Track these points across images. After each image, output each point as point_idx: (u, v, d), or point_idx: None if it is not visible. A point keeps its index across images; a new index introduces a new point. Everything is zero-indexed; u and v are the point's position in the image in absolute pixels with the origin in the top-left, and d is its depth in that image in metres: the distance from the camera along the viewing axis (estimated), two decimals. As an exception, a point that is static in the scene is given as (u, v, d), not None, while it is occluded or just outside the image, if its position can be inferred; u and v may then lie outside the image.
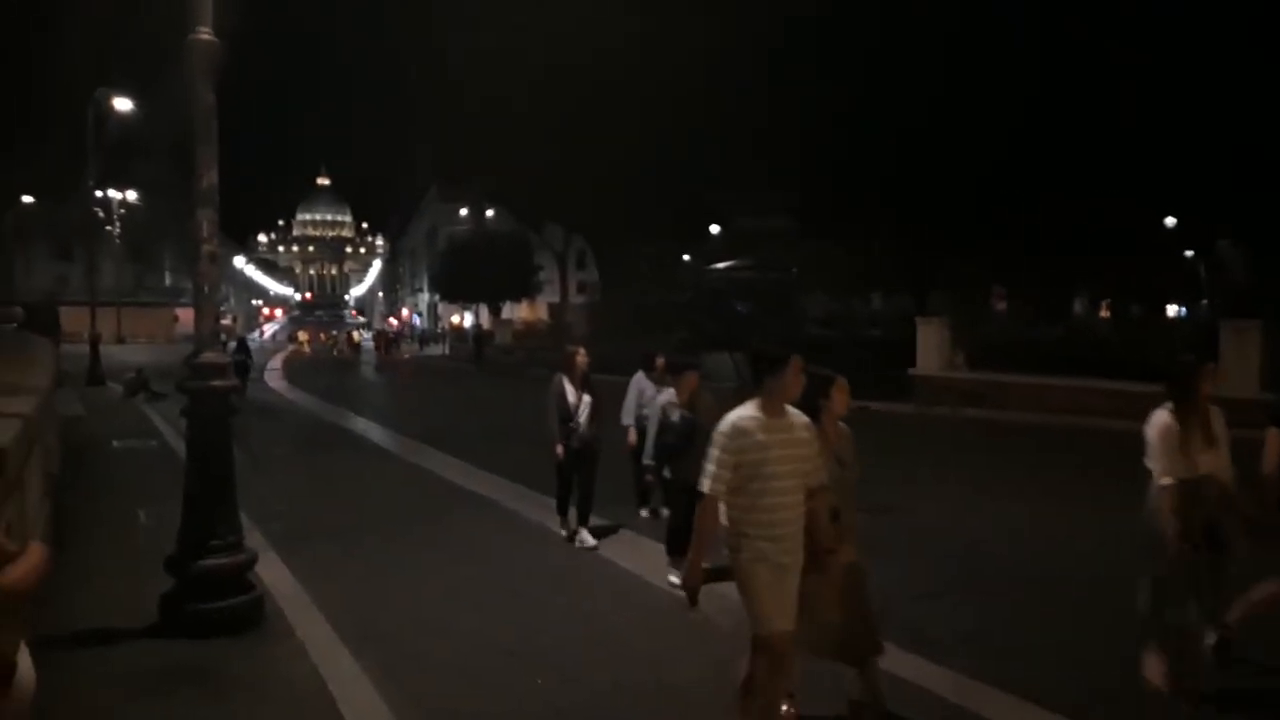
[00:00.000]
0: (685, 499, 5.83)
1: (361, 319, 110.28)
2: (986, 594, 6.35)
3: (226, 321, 65.85)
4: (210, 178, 5.35)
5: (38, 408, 6.75)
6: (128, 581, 6.01)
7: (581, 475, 7.60)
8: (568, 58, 34.84)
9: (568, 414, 7.55)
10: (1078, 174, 25.56)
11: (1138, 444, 4.69)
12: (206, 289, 5.44)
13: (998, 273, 30.73)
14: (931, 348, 20.01)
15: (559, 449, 7.52)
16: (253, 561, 5.57)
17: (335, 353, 55.00)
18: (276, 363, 39.26)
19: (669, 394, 6.67)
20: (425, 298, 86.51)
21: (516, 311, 60.95)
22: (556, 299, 56.61)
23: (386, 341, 55.10)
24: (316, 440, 15.23)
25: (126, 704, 4.29)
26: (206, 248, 5.33)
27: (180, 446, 12.59)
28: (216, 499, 5.36)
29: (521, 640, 5.33)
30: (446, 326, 65.30)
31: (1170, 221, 31.02)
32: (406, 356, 50.29)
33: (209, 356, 5.39)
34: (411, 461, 12.37)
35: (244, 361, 21.11)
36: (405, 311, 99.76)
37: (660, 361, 8.55)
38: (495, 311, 56.01)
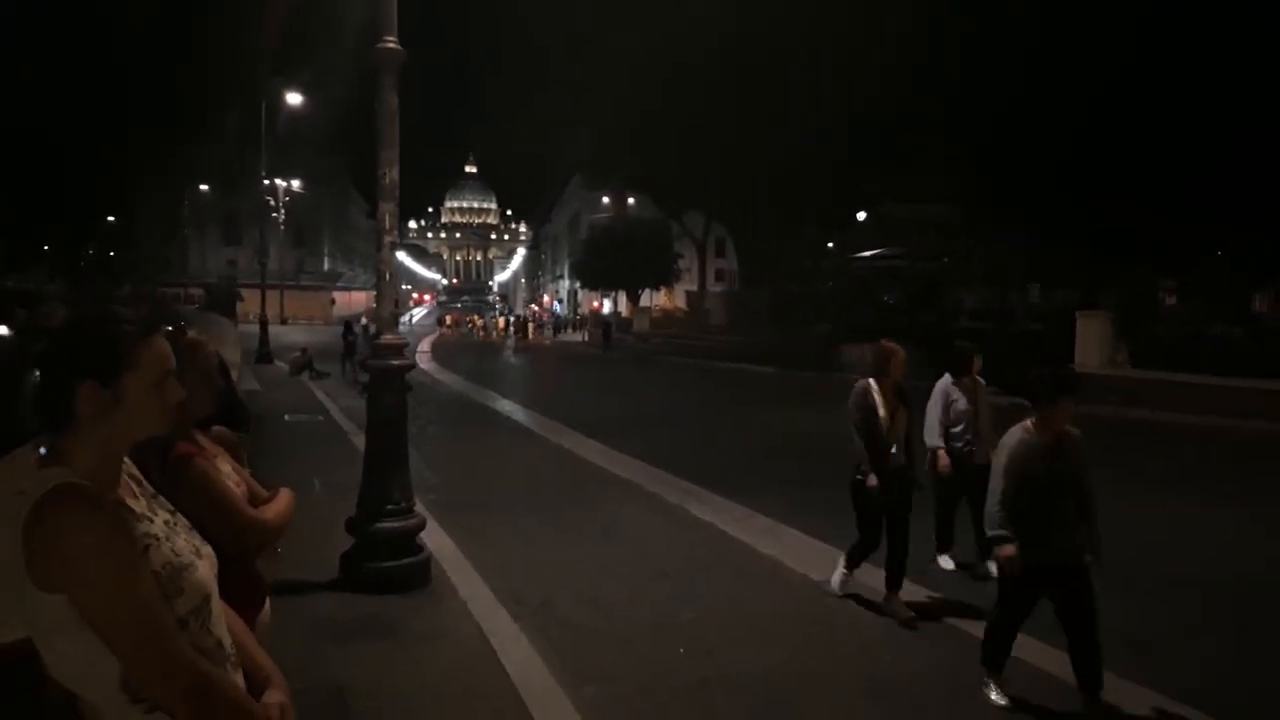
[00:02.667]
0: (1032, 590, 4.25)
1: (504, 304, 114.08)
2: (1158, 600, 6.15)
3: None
4: (392, 175, 5.76)
5: (237, 380, 7.46)
6: (309, 541, 6.59)
7: (897, 521, 5.57)
8: (711, 43, 34.83)
9: (879, 436, 5.48)
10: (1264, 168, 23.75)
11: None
12: (388, 275, 5.91)
13: (1169, 267, 28.86)
14: (1092, 343, 19.10)
15: (873, 479, 5.46)
16: (422, 526, 6.03)
17: (478, 336, 57.30)
18: (425, 345, 41.22)
19: (1023, 431, 4.33)
20: (566, 284, 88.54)
21: (655, 299, 61.64)
22: (695, 287, 56.96)
23: (523, 326, 56.96)
24: (464, 419, 16.01)
25: (319, 645, 4.79)
26: (387, 238, 5.78)
27: (344, 422, 13.67)
28: (393, 467, 5.84)
29: (665, 615, 5.57)
30: (586, 313, 66.72)
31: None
32: (547, 343, 51.79)
33: (389, 338, 5.87)
34: (553, 442, 12.86)
35: (353, 343, 22.45)
36: (546, 298, 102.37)
37: (978, 363, 6.52)
38: (634, 299, 56.78)
